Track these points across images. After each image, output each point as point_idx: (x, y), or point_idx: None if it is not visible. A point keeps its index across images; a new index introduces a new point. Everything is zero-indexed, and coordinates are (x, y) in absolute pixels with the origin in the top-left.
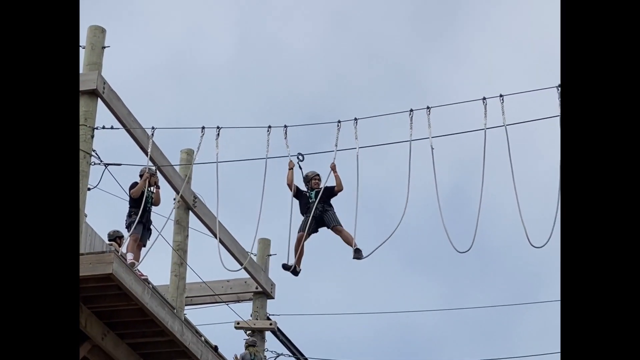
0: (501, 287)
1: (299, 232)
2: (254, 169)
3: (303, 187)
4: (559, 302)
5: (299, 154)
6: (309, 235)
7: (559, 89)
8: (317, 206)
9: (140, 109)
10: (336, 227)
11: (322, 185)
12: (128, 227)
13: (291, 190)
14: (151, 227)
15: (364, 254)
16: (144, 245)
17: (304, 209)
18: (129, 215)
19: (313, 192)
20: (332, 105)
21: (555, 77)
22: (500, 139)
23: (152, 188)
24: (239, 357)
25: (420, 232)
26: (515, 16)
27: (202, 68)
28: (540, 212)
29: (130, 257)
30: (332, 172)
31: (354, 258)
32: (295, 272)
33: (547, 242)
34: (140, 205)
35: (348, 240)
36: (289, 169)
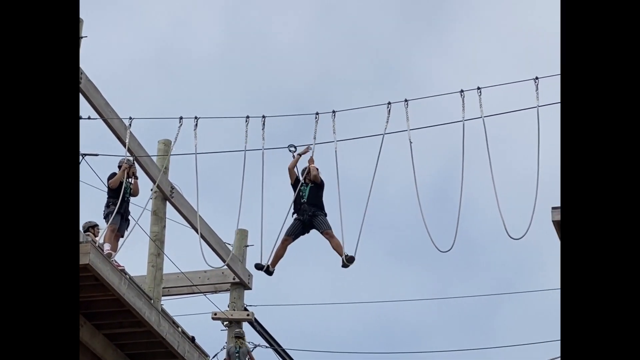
0: (485, 278)
1: (285, 235)
2: (237, 160)
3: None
4: (542, 291)
5: (291, 145)
6: (295, 238)
7: (536, 81)
8: (307, 208)
9: (126, 100)
10: (326, 232)
11: (314, 175)
12: (106, 217)
13: (290, 177)
14: (129, 217)
15: (351, 258)
16: (122, 236)
17: (296, 208)
18: (107, 206)
19: (307, 188)
20: (319, 98)
21: (539, 69)
22: (487, 131)
23: (130, 179)
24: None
25: (405, 225)
26: (502, 10)
27: (189, 60)
28: (523, 204)
29: (107, 247)
30: (309, 165)
31: (342, 267)
32: (268, 272)
33: (525, 233)
34: (119, 195)
35: (337, 249)
36: (299, 154)
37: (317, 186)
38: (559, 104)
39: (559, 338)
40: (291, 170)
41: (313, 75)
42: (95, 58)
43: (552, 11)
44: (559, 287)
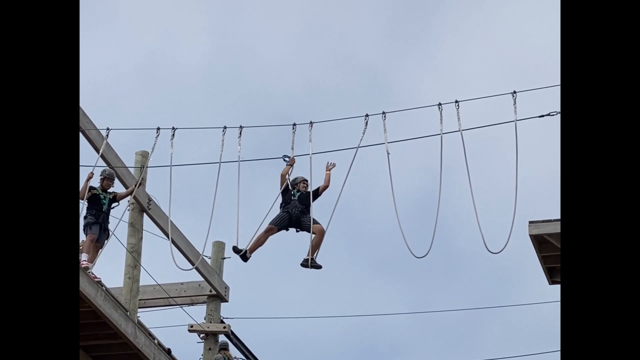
0: (468, 291)
1: (270, 224)
2: (223, 172)
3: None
4: (526, 305)
5: (285, 155)
6: (279, 230)
7: (514, 95)
8: (297, 205)
9: (111, 110)
10: (315, 226)
11: (309, 189)
12: (84, 228)
13: (282, 184)
14: (108, 228)
15: (316, 265)
16: (101, 247)
17: (284, 203)
18: (85, 217)
19: (298, 193)
20: (305, 110)
21: (526, 83)
22: (471, 144)
23: (108, 190)
24: None
25: (387, 238)
26: (489, 23)
27: (176, 71)
28: (506, 217)
29: (84, 258)
30: (326, 170)
31: (301, 264)
32: (244, 257)
33: (504, 248)
34: (97, 206)
35: (315, 247)
36: (289, 165)
37: (315, 195)
38: (536, 118)
39: (545, 351)
40: (283, 177)
41: (299, 88)
42: (82, 68)
43: (538, 26)
44: (547, 300)
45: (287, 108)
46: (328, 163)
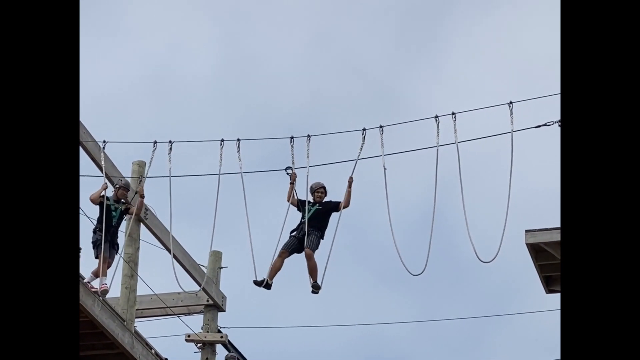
0: (472, 301)
1: (282, 248)
2: (226, 183)
3: (309, 198)
4: (527, 314)
5: (288, 167)
6: (291, 253)
7: (511, 105)
8: (304, 227)
9: (119, 123)
10: (307, 249)
11: (325, 198)
12: (94, 244)
13: (294, 206)
14: (117, 242)
15: (316, 285)
16: (111, 263)
17: (296, 226)
18: (94, 232)
19: (313, 208)
20: (311, 122)
21: (531, 93)
22: (475, 156)
23: (120, 203)
24: None
25: (391, 248)
26: (497, 35)
27: (183, 84)
28: (508, 227)
29: (104, 280)
30: (347, 186)
31: (312, 292)
32: (267, 285)
33: (495, 257)
34: (108, 221)
35: (311, 272)
36: (290, 184)
37: (333, 208)
38: (534, 129)
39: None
40: (290, 201)
41: (307, 99)
42: (89, 80)
43: (542, 37)
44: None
45: (295, 119)
46: (350, 178)
